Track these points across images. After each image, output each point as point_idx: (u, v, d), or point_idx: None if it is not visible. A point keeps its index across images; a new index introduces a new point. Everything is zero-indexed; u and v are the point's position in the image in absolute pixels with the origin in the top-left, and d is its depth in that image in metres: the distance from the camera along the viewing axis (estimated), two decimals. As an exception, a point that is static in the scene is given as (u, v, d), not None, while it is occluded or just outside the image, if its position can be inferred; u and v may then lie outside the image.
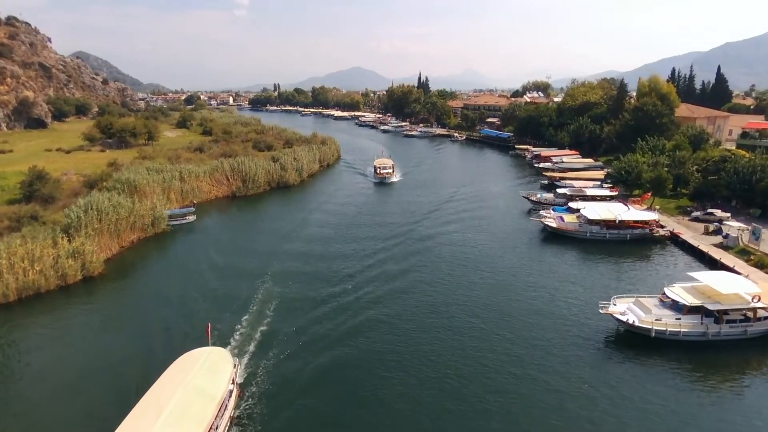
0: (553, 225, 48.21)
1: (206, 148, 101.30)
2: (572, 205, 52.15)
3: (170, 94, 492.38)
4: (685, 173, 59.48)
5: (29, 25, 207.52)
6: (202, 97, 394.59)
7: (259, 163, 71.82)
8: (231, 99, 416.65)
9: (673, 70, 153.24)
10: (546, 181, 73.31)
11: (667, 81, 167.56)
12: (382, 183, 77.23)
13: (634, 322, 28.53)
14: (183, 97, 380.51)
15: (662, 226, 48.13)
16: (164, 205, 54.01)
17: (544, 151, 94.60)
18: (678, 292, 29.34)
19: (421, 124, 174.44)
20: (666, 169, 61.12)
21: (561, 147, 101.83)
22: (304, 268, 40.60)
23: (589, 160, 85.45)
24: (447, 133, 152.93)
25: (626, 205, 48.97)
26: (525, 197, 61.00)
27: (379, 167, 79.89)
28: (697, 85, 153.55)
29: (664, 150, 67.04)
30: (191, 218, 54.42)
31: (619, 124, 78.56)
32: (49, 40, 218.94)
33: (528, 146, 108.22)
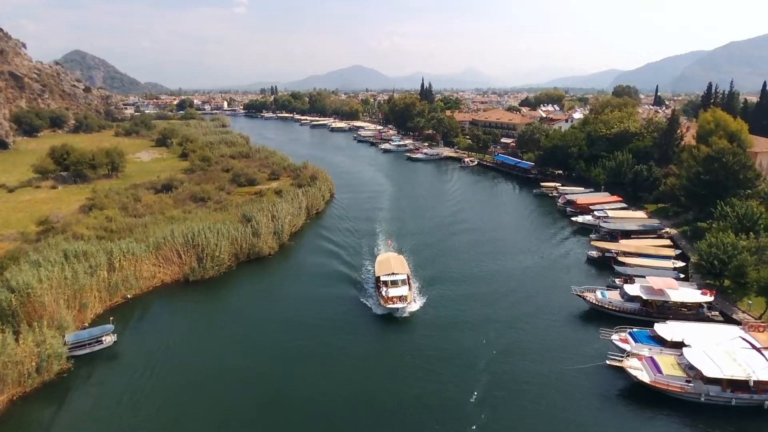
0: (645, 380, 31.51)
1: (175, 184, 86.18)
2: (661, 332, 35.25)
3: (164, 97, 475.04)
4: (802, 265, 42.91)
5: (0, 30, 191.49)
6: (195, 101, 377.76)
7: (223, 230, 54.90)
8: (225, 104, 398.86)
9: (710, 86, 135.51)
10: (594, 253, 56.65)
11: (702, 97, 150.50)
12: (391, 315, 42.13)
13: None
14: (175, 102, 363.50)
15: (813, 382, 31.54)
16: (68, 326, 37.56)
17: (580, 197, 77.80)
18: None
19: (426, 143, 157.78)
20: (769, 252, 44.68)
21: (595, 186, 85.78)
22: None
23: (641, 214, 68.71)
24: (456, 155, 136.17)
25: (757, 349, 32.24)
26: (579, 295, 44.37)
27: (386, 280, 44.33)
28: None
29: (757, 221, 50.34)
30: (108, 341, 37.55)
31: (686, 177, 61.59)
32: (24, 45, 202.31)
33: (556, 184, 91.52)
